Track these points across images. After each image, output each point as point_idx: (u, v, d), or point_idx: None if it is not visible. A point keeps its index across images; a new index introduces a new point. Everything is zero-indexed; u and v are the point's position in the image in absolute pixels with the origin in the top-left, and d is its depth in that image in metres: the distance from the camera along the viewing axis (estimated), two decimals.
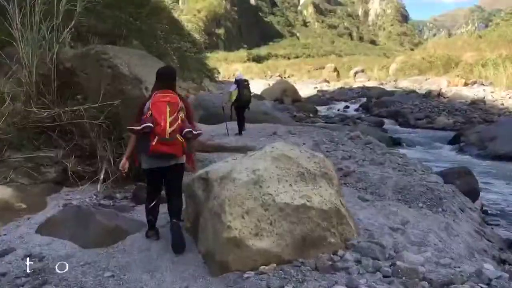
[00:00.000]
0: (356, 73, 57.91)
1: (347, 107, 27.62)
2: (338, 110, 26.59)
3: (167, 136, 3.78)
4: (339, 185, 4.52)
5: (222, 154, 8.74)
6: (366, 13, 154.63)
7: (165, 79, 4.16)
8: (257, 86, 43.90)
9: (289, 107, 22.90)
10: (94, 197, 5.27)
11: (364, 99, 29.11)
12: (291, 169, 4.04)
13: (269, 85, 44.92)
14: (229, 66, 69.93)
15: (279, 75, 68.08)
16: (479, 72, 34.70)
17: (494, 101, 23.73)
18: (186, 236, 4.27)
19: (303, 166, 4.13)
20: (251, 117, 14.09)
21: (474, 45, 41.00)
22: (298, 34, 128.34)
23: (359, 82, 46.54)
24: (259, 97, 25.36)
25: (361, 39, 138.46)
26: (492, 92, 26.96)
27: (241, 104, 11.40)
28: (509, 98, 24.12)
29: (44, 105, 6.09)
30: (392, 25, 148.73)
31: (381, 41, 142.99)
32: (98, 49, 6.29)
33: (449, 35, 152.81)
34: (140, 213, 4.96)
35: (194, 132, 3.99)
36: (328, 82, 51.63)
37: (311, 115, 21.53)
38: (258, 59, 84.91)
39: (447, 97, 26.52)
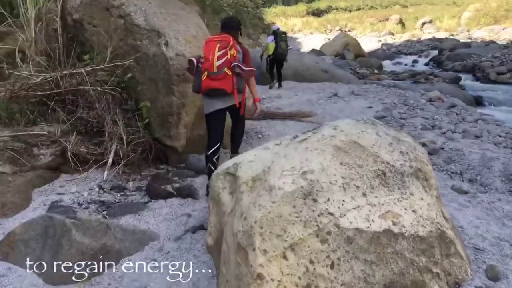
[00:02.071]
0: (423, 24, 53.75)
1: (415, 61, 24.90)
2: (406, 65, 24.02)
3: (215, 70, 3.76)
4: (437, 186, 2.95)
5: (271, 123, 7.29)
6: None
7: (223, 27, 4.11)
8: (316, 41, 41.65)
9: (351, 63, 20.75)
10: (97, 189, 4.00)
11: (435, 52, 26.14)
12: (365, 166, 2.52)
13: (329, 39, 42.49)
14: (287, 20, 67.08)
15: (340, 29, 64.49)
16: None
17: None
18: (207, 260, 2.93)
19: (384, 160, 2.59)
20: (308, 76, 12.42)
21: None
22: None
23: (427, 33, 42.73)
24: (319, 52, 23.34)
25: None
26: None
27: (278, 57, 10.96)
28: None
29: (47, 68, 4.85)
30: None
31: None
32: None
33: None
34: (153, 215, 3.65)
35: (244, 68, 3.85)
36: (393, 34, 48.04)
37: (376, 71, 19.32)
38: (317, 13, 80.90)
39: None
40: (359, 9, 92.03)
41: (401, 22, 60.49)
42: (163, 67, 4.56)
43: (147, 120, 4.64)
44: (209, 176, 3.66)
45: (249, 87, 4.16)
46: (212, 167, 3.86)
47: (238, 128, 4.42)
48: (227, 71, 3.78)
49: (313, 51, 23.86)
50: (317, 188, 2.29)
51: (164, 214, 3.68)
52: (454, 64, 21.46)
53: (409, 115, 7.20)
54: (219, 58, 3.76)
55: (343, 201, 2.30)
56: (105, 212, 3.60)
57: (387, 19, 63.76)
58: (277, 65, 11.25)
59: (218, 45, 3.78)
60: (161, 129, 4.67)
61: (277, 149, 2.87)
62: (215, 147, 4.00)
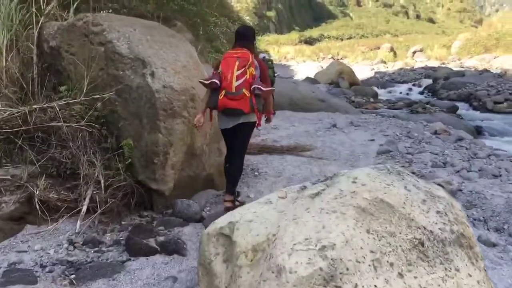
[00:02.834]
0: (414, 52, 54.28)
1: (410, 89, 24.70)
2: (401, 93, 23.75)
3: (233, 90, 3.70)
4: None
5: (268, 158, 6.75)
6: None
7: (239, 38, 4.03)
8: (309, 69, 41.59)
9: (346, 91, 20.40)
10: (66, 245, 3.38)
11: (429, 81, 25.96)
12: (398, 234, 1.97)
13: (321, 67, 42.49)
14: (280, 48, 67.53)
15: (332, 57, 65.09)
16: None
17: None
18: None
19: (419, 224, 2.05)
20: (304, 105, 11.96)
21: None
22: (351, 14, 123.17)
23: (419, 62, 42.92)
24: (313, 80, 23.04)
25: (418, 17, 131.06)
26: None
27: None
28: None
29: (18, 102, 4.30)
30: (451, 1, 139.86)
31: (439, 18, 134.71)
32: (87, 19, 4.39)
33: None
34: (130, 279, 3.03)
35: (263, 89, 3.79)
36: (385, 62, 48.32)
37: (371, 99, 18.97)
38: (309, 41, 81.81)
39: None
40: (350, 37, 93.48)
41: (392, 50, 61.07)
42: (148, 101, 4.03)
43: (129, 160, 4.08)
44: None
45: (266, 103, 4.07)
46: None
47: (236, 158, 4.13)
48: (246, 92, 3.73)
49: (308, 79, 23.55)
50: (341, 269, 1.73)
51: (145, 277, 3.06)
52: (449, 93, 21.22)
53: (416, 149, 6.70)
54: (238, 77, 3.70)
55: (375, 286, 1.74)
56: (72, 276, 2.98)
57: (379, 48, 64.41)
58: None
59: (237, 63, 3.72)
60: (145, 171, 4.11)
61: (282, 206, 2.32)
62: None
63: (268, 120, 4.36)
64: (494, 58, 35.40)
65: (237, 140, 4.05)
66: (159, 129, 4.00)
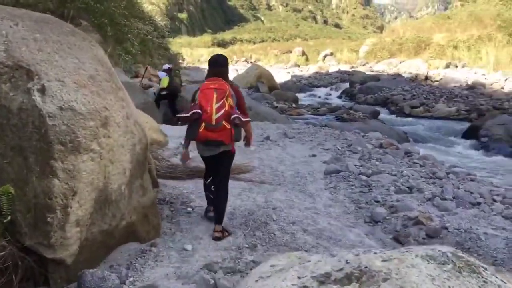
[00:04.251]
0: (325, 56, 55.87)
1: (328, 94, 24.77)
2: (320, 97, 23.70)
3: (213, 123, 3.72)
4: None
5: (201, 184, 5.60)
6: None
7: (214, 68, 3.99)
8: None
9: (267, 96, 19.73)
10: None
11: (345, 85, 26.26)
12: None
13: (236, 70, 41.83)
14: (194, 51, 66.27)
15: (246, 60, 65.18)
16: (452, 54, 33.22)
17: (491, 84, 21.29)
18: None
19: None
20: None
21: (444, 26, 39.53)
22: (262, 18, 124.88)
23: (331, 65, 43.82)
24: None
25: (325, 22, 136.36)
26: (484, 74, 24.67)
27: (172, 90, 11.36)
28: (506, 80, 21.79)
29: None
30: (355, 8, 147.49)
31: (345, 24, 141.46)
32: None
33: (410, 17, 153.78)
34: None
35: (243, 119, 3.81)
36: (298, 66, 48.99)
37: (293, 104, 18.46)
38: (223, 44, 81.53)
39: (437, 81, 24.07)
40: (262, 41, 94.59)
41: (304, 54, 62.44)
42: (37, 130, 2.71)
43: (9, 217, 2.74)
44: (208, 203, 4.30)
45: (246, 132, 4.06)
46: (211, 196, 4.22)
47: (221, 188, 4.16)
48: (226, 124, 3.76)
49: None
50: None
51: None
52: (366, 97, 21.40)
53: (368, 168, 5.92)
54: (217, 110, 3.71)
55: None
56: None
57: (291, 51, 65.62)
58: (170, 99, 11.34)
59: (215, 95, 3.72)
60: (35, 233, 2.77)
61: None
62: (211, 178, 4.20)
63: (247, 144, 4.23)
64: (400, 62, 36.99)
65: (221, 167, 4.12)
66: (55, 172, 2.69)
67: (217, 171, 4.14)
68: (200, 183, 5.65)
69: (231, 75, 31.30)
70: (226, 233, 4.06)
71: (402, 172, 5.55)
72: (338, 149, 7.51)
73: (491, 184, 5.42)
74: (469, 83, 22.15)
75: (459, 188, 4.93)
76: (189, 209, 4.64)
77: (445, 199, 4.48)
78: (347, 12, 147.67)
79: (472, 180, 5.52)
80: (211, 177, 4.20)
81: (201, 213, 4.55)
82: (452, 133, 14.06)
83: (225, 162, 4.10)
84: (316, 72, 36.12)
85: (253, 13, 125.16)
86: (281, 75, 35.94)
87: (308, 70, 40.51)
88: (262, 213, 4.53)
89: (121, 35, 20.60)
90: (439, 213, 4.19)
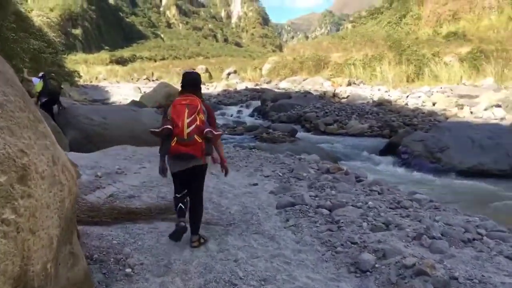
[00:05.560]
0: (229, 74, 56.01)
1: (240, 112, 24.26)
2: (232, 115, 23.15)
3: (185, 137, 3.80)
4: None
5: (134, 230, 4.49)
6: (228, 16, 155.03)
7: (187, 84, 4.09)
8: (126, 91, 38.70)
9: None
10: None
11: (256, 103, 26.00)
12: None
13: (139, 88, 40.05)
14: (90, 69, 62.77)
15: (147, 78, 63.26)
16: (350, 72, 34.95)
17: (396, 101, 22.30)
18: None
19: None
20: (150, 138, 9.68)
21: (340, 45, 41.63)
22: (162, 36, 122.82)
23: (238, 83, 43.71)
24: (139, 103, 20.63)
25: (226, 40, 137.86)
26: (387, 91, 25.89)
27: (50, 93, 10.92)
28: (407, 97, 23.00)
29: None
30: (254, 27, 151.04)
31: (245, 42, 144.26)
32: None
33: (306, 37, 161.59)
34: None
35: (215, 133, 3.92)
36: (204, 84, 48.25)
37: None
38: (122, 61, 78.43)
39: (344, 98, 24.74)
40: (163, 58, 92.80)
41: (207, 71, 62.02)
42: None
43: None
44: (179, 215, 4.07)
45: (217, 149, 4.17)
46: (183, 207, 4.08)
47: (196, 201, 4.20)
48: (197, 138, 3.82)
49: (133, 102, 21.06)
50: None
51: None
52: (279, 115, 21.21)
53: (325, 199, 5.24)
54: (189, 125, 3.80)
55: None
56: None
57: (194, 69, 64.71)
58: (49, 105, 10.78)
59: (187, 110, 3.82)
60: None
61: None
62: (184, 192, 4.09)
63: (226, 171, 4.30)
64: (304, 80, 37.97)
65: (194, 182, 4.13)
66: None
67: (190, 186, 4.11)
68: (132, 229, 4.59)
69: (134, 93, 29.80)
70: (203, 240, 4.16)
71: (367, 203, 4.93)
72: (280, 175, 6.79)
73: (462, 214, 5.02)
74: (375, 99, 22.99)
75: (436, 221, 4.42)
76: (127, 269, 3.56)
77: (434, 238, 3.89)
78: (247, 31, 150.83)
79: (436, 208, 5.10)
80: (185, 191, 4.09)
81: (147, 276, 3.50)
82: (370, 150, 14.13)
83: (199, 176, 4.12)
84: (225, 90, 35.72)
85: (152, 30, 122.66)
86: None
87: (215, 88, 40.01)
88: (222, 268, 3.60)
89: (10, 50, 18.56)
90: (434, 256, 3.57)
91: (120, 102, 28.20)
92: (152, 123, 10.16)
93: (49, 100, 10.85)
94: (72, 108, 11.45)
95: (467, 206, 6.38)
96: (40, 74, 11.60)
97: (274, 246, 4.11)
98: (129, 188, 6.10)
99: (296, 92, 28.85)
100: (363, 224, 4.31)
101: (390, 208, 4.92)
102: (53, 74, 10.92)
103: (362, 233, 4.12)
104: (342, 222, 4.40)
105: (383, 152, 13.54)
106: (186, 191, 4.09)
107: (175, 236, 4.04)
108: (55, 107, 11.12)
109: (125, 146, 8.97)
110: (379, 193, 5.55)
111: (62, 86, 11.65)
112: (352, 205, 4.84)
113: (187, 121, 3.76)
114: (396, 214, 4.68)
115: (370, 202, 4.94)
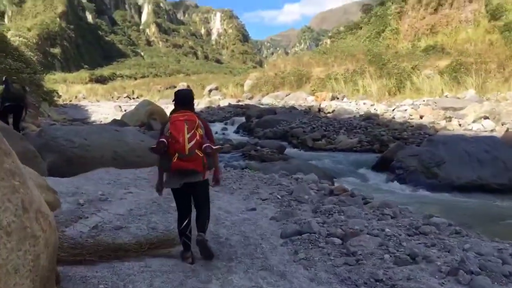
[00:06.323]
0: (210, 90, 55.56)
1: (225, 129, 23.76)
2: (216, 133, 22.53)
3: (187, 152, 3.83)
4: None
5: (123, 270, 3.91)
6: (208, 33, 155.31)
7: (182, 102, 4.10)
8: (107, 110, 37.89)
9: None
10: None
11: (240, 119, 25.55)
12: None
13: (119, 107, 39.29)
14: (70, 88, 61.72)
15: (128, 96, 62.49)
16: (332, 86, 34.87)
17: (382, 115, 22.06)
18: None
19: None
20: (134, 159, 9.07)
21: (321, 60, 41.61)
22: (142, 54, 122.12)
23: (220, 100, 43.22)
24: (121, 122, 19.98)
25: (206, 57, 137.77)
26: (372, 105, 25.70)
27: (11, 99, 10.13)
28: (394, 110, 22.82)
29: None
30: (234, 44, 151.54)
31: (225, 59, 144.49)
32: None
33: (286, 53, 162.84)
34: None
35: (214, 147, 3.98)
36: None
37: None
38: (101, 80, 77.47)
39: (330, 112, 24.44)
40: (144, 76, 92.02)
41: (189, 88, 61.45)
42: None
43: None
44: (185, 247, 4.09)
45: (213, 160, 4.10)
46: (187, 241, 4.07)
47: (204, 211, 4.16)
48: (198, 152, 3.86)
49: (115, 121, 20.39)
50: None
51: None
52: (265, 131, 20.74)
53: (335, 226, 4.72)
54: (189, 140, 3.83)
55: None
56: None
57: (175, 86, 64.22)
58: (15, 110, 10.21)
59: (186, 126, 3.84)
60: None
61: None
62: (187, 220, 4.06)
63: (216, 182, 4.31)
64: (287, 95, 37.71)
65: (200, 196, 4.13)
66: None
67: (197, 200, 4.15)
68: (120, 267, 4.00)
69: (114, 111, 29.11)
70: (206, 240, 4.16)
71: (383, 230, 4.42)
72: (279, 198, 6.27)
73: (489, 240, 4.56)
74: (362, 113, 22.73)
75: (465, 250, 3.94)
76: None
77: (472, 272, 3.39)
78: (227, 48, 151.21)
79: (457, 233, 4.63)
80: (188, 219, 4.04)
81: None
82: (362, 166, 13.76)
83: (202, 190, 4.13)
84: (208, 107, 35.20)
85: (132, 48, 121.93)
86: (169, 111, 34.24)
87: (197, 105, 39.39)
88: None
89: None
90: None
91: (101, 121, 27.46)
92: (137, 142, 9.57)
93: (15, 106, 10.28)
94: (51, 129, 10.75)
95: (483, 227, 5.94)
96: (4, 78, 11.13)
97: (286, 285, 3.57)
98: (114, 217, 5.50)
99: (281, 107, 28.44)
100: (384, 256, 3.79)
101: (409, 235, 4.43)
102: (15, 78, 10.53)
103: (385, 267, 3.60)
104: (360, 254, 3.88)
105: (376, 167, 13.15)
106: (189, 219, 4.06)
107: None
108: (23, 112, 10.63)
109: (108, 169, 8.35)
110: (391, 217, 5.06)
111: (27, 89, 11.25)
112: (367, 233, 4.32)
113: (187, 136, 3.80)
114: (419, 243, 4.18)
115: (387, 229, 4.43)
